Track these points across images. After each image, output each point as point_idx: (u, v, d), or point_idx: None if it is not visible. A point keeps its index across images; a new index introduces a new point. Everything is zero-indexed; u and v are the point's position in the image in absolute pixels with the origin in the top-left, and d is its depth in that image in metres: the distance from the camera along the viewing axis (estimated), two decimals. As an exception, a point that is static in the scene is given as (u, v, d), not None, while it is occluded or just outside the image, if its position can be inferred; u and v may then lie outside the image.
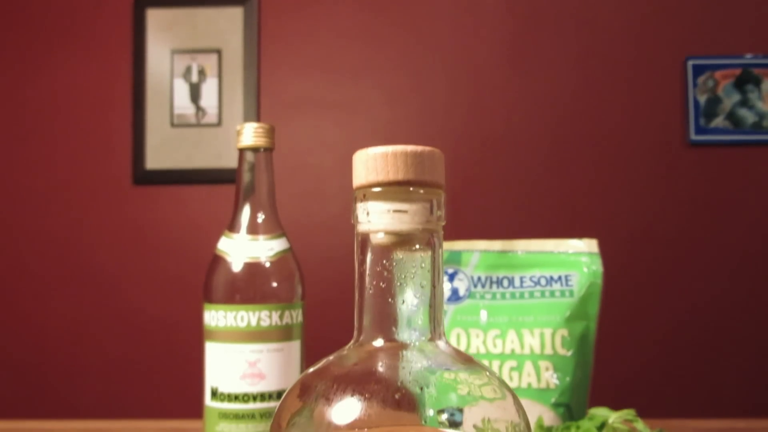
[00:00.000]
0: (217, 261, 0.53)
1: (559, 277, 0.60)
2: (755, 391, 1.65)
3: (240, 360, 0.50)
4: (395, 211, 0.25)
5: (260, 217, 0.53)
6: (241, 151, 0.54)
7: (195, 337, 1.60)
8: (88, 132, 1.82)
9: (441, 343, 0.25)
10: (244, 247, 0.52)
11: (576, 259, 0.61)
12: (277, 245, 0.53)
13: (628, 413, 0.49)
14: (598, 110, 1.75)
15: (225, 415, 0.50)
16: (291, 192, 1.74)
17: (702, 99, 1.76)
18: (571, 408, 0.58)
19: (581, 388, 0.59)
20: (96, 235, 1.79)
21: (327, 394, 0.24)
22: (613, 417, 0.49)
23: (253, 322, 0.50)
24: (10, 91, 1.83)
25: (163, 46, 1.83)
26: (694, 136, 1.75)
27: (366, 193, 0.25)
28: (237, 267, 0.52)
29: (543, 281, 0.60)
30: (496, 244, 0.62)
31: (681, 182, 1.74)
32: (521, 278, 0.61)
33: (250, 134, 0.53)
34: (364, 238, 0.26)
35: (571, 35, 1.76)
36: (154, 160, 1.81)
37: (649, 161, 1.75)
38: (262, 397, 0.50)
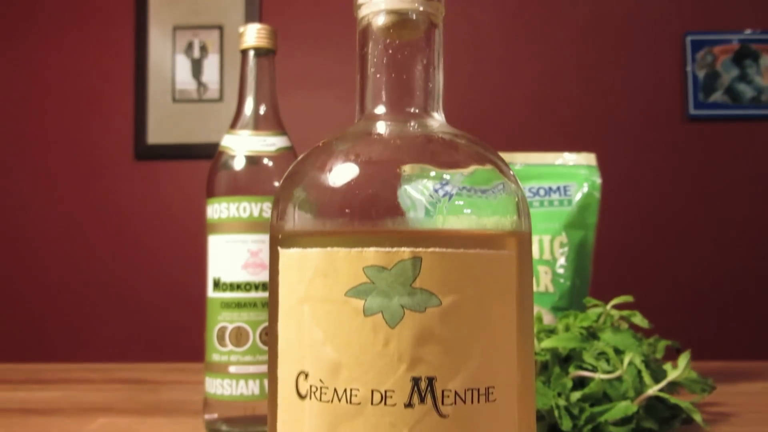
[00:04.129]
0: (219, 156, 0.54)
1: (558, 188, 0.61)
2: (753, 332, 1.64)
3: (242, 250, 0.51)
4: (395, -10, 0.25)
5: (262, 115, 0.54)
6: (244, 53, 0.55)
7: (194, 306, 1.60)
8: (90, 107, 1.83)
9: (438, 116, 0.26)
10: (246, 142, 0.53)
11: (575, 171, 0.62)
12: (279, 142, 0.54)
13: (626, 299, 0.49)
14: (598, 86, 1.76)
15: (227, 305, 0.51)
16: (292, 165, 1.74)
17: (701, 74, 1.77)
18: (569, 313, 0.58)
19: (580, 295, 0.60)
20: (97, 209, 1.80)
21: (329, 154, 0.24)
22: (611, 304, 0.50)
23: (255, 213, 0.51)
24: (13, 67, 1.84)
25: (165, 22, 1.84)
26: (693, 111, 1.76)
27: (367, -22, 0.26)
28: (239, 160, 0.52)
29: (542, 192, 0.61)
30: (496, 157, 0.62)
31: (680, 156, 1.75)
32: (520, 190, 0.61)
33: (253, 35, 0.54)
34: (365, 28, 0.26)
35: (570, 11, 1.77)
36: (155, 136, 1.82)
37: (648, 136, 1.75)
38: (264, 286, 0.51)
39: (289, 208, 0.24)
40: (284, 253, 0.24)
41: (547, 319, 0.57)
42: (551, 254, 0.58)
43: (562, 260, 0.58)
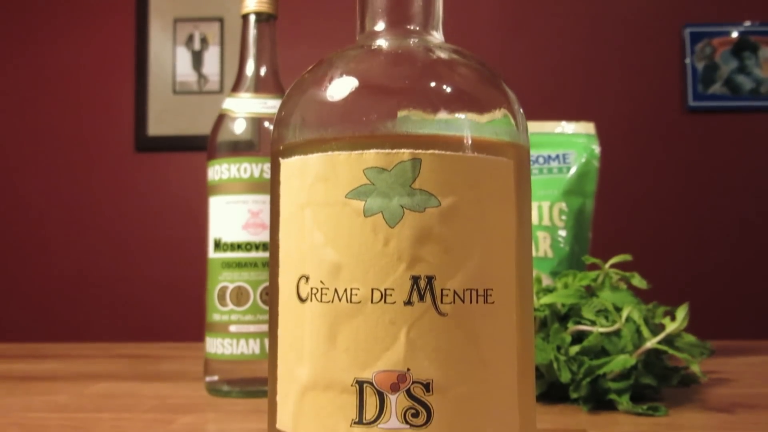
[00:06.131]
0: (221, 119, 0.54)
1: (557, 156, 0.61)
2: (751, 315, 1.64)
3: (242, 210, 0.51)
4: None
5: (262, 78, 0.54)
6: (245, 17, 0.55)
7: (194, 295, 1.60)
8: (91, 99, 1.83)
9: (437, 34, 0.26)
10: (247, 104, 0.53)
11: (574, 139, 0.62)
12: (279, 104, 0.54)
13: (624, 258, 0.49)
14: (597, 78, 1.77)
15: (228, 264, 0.51)
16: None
17: (700, 66, 1.77)
18: (568, 279, 0.58)
19: (579, 261, 0.60)
20: (99, 201, 1.80)
21: (329, 66, 0.25)
22: (610, 263, 0.50)
23: (256, 174, 0.51)
24: (14, 59, 1.84)
25: (166, 14, 1.85)
26: (692, 102, 1.77)
27: None
28: (240, 122, 0.53)
29: (541, 160, 0.61)
30: (495, 125, 0.63)
31: (679, 148, 1.75)
32: (519, 158, 0.62)
33: (254, 0, 0.55)
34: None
35: (569, 3, 1.78)
36: (156, 127, 1.83)
37: (648, 127, 1.76)
38: (264, 246, 0.51)
39: (291, 120, 0.24)
40: (285, 163, 0.24)
41: (547, 283, 0.57)
42: (550, 220, 0.59)
43: (561, 226, 0.59)
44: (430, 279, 0.21)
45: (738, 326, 1.64)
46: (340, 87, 0.23)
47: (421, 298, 0.21)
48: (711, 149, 1.75)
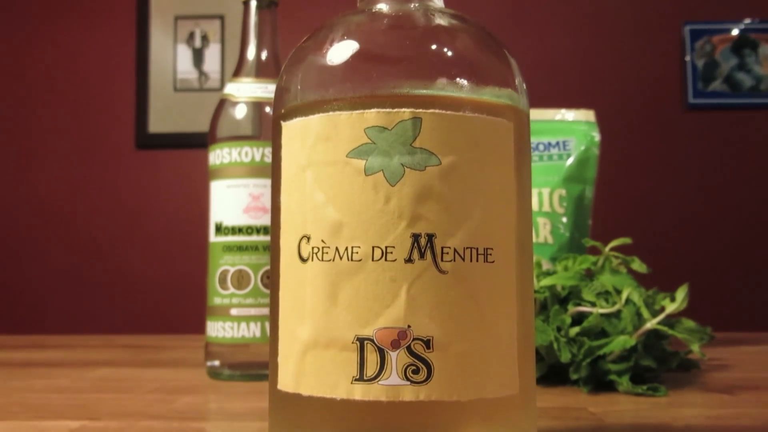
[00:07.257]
0: (222, 103, 0.54)
1: (557, 143, 0.61)
2: (749, 310, 1.64)
3: (244, 194, 0.51)
4: None
5: (263, 63, 0.55)
6: (246, 3, 0.55)
7: (194, 292, 1.60)
8: (92, 97, 1.84)
9: (438, 0, 0.26)
10: (248, 89, 0.53)
11: (574, 126, 0.62)
12: (281, 89, 0.54)
13: (624, 241, 0.50)
14: (597, 76, 1.77)
15: (229, 248, 0.51)
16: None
17: (700, 63, 1.78)
18: (569, 265, 0.58)
19: (578, 247, 0.60)
20: (99, 198, 1.81)
21: (330, 29, 0.25)
22: (610, 246, 0.50)
23: (257, 158, 0.51)
24: (16, 57, 1.85)
25: (167, 12, 1.85)
26: (692, 100, 1.77)
27: None
28: (241, 106, 0.53)
29: (541, 147, 0.61)
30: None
31: (680, 145, 1.75)
32: (520, 145, 0.62)
33: (255, -14, 0.55)
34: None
35: (569, 0, 1.78)
36: (156, 125, 1.83)
37: (648, 125, 1.76)
38: (266, 230, 0.51)
39: (292, 83, 0.24)
40: (286, 125, 0.24)
41: (547, 268, 0.57)
42: (551, 206, 0.59)
43: (561, 212, 0.59)
44: (430, 237, 0.22)
45: (737, 319, 1.64)
46: (341, 49, 0.24)
47: (422, 255, 0.22)
48: (711, 146, 1.75)
